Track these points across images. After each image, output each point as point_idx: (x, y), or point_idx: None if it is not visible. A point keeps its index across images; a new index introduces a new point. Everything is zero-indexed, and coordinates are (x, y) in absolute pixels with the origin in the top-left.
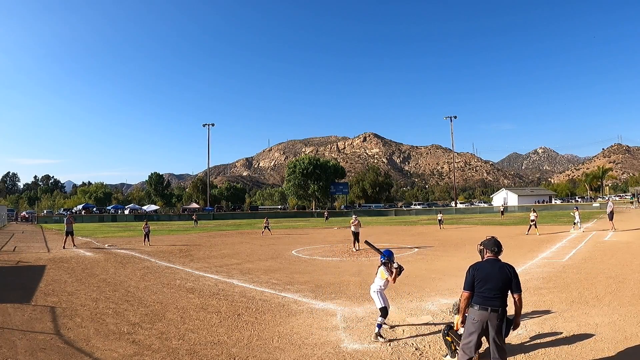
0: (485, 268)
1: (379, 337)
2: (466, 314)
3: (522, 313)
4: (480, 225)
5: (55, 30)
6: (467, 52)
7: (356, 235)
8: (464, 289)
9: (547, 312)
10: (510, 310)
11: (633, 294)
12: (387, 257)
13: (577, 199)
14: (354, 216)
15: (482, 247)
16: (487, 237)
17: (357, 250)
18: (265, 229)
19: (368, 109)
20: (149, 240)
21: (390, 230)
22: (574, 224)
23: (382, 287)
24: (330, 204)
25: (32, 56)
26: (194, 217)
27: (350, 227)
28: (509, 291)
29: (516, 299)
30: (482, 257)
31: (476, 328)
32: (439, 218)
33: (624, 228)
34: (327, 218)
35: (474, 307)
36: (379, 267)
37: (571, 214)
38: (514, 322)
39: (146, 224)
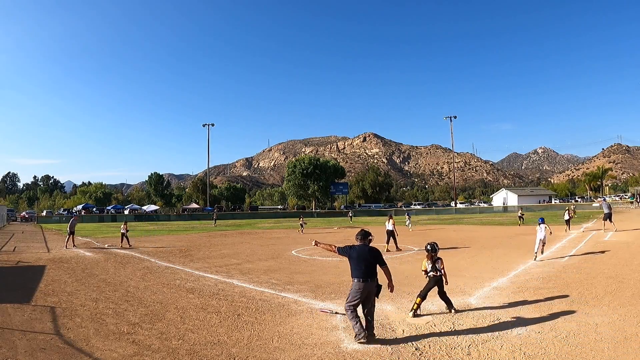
0: (359, 249)
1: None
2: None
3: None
4: (480, 225)
5: (54, 31)
6: (467, 52)
7: (391, 233)
8: (338, 252)
9: (546, 312)
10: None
11: (633, 294)
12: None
13: (576, 198)
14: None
15: (356, 236)
16: (360, 229)
17: (397, 249)
18: (301, 227)
19: (368, 109)
20: (127, 241)
21: None
22: (407, 225)
23: None
24: (330, 203)
25: (32, 56)
26: (214, 215)
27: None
28: (378, 265)
29: (384, 270)
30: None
31: (360, 295)
32: (520, 214)
33: (624, 228)
34: (351, 218)
35: (356, 280)
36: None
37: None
38: (389, 286)
39: (125, 225)
